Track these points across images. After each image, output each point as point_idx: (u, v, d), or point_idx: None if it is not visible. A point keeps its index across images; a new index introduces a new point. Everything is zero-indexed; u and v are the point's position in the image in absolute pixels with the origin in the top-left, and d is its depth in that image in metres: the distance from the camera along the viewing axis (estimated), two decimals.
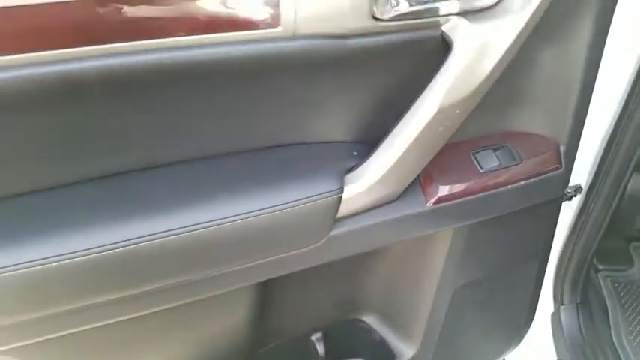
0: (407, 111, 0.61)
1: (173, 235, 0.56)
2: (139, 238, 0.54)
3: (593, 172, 0.99)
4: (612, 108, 0.86)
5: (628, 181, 1.02)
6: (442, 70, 0.58)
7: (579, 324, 1.14)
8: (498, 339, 1.03)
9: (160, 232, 0.55)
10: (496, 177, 0.72)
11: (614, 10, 0.68)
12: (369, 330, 0.97)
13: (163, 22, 0.49)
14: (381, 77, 0.62)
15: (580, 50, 0.68)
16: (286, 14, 0.51)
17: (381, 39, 0.57)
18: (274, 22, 0.52)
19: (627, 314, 1.17)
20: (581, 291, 1.16)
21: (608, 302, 1.18)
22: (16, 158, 0.52)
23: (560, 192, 0.83)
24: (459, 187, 0.70)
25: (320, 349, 0.95)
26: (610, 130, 0.91)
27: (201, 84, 0.54)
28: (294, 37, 0.53)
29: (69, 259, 0.52)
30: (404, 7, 0.56)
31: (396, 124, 0.61)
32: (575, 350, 1.11)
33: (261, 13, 0.51)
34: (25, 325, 0.56)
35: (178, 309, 0.64)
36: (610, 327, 1.14)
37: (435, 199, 0.69)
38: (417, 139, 0.60)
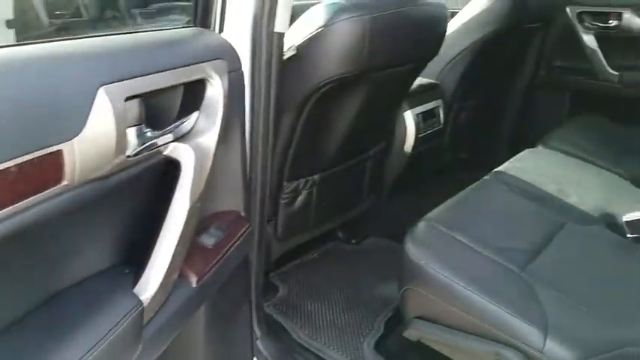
0: (165, 218, 0.75)
1: None
2: None
3: None
4: None
5: None
6: (181, 178, 0.77)
7: None
8: None
9: None
10: (218, 248, 0.95)
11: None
12: None
13: None
14: (136, 199, 0.74)
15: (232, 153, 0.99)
16: (69, 169, 0.58)
17: (132, 170, 0.70)
18: (58, 176, 0.58)
19: None
20: None
21: None
22: None
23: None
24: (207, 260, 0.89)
25: None
26: None
27: None
28: (75, 187, 0.60)
29: None
30: (135, 146, 0.72)
31: (161, 230, 0.75)
32: None
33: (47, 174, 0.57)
34: None
35: None
36: None
37: (198, 277, 0.85)
38: (181, 236, 0.76)
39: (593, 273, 1.17)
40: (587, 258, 1.22)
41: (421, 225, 1.23)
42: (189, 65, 0.78)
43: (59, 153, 0.57)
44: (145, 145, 0.71)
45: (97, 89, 0.60)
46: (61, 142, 0.56)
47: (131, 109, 0.67)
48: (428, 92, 1.98)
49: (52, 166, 0.57)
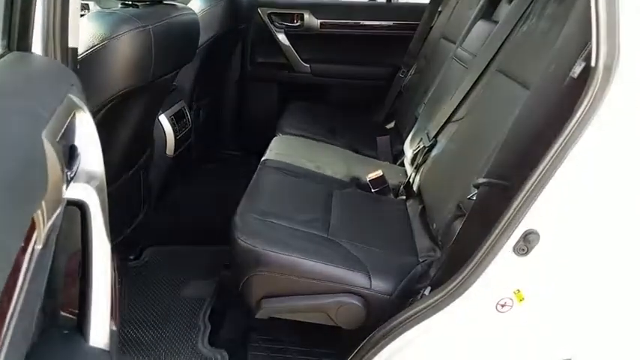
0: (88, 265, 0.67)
1: None
2: None
3: None
4: None
5: None
6: (92, 221, 0.69)
7: None
8: None
9: None
10: None
11: None
12: None
13: None
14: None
15: None
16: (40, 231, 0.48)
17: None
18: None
19: None
20: None
21: None
22: None
23: None
24: None
25: None
26: None
27: None
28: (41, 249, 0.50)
29: None
30: None
31: (90, 279, 0.66)
32: None
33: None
34: None
35: None
36: None
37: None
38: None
39: (367, 222, 1.54)
40: (358, 213, 1.58)
41: (238, 219, 1.35)
42: (65, 96, 0.70)
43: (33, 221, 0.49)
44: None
45: (41, 137, 0.52)
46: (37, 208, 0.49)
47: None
48: (171, 95, 2.03)
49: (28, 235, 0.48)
